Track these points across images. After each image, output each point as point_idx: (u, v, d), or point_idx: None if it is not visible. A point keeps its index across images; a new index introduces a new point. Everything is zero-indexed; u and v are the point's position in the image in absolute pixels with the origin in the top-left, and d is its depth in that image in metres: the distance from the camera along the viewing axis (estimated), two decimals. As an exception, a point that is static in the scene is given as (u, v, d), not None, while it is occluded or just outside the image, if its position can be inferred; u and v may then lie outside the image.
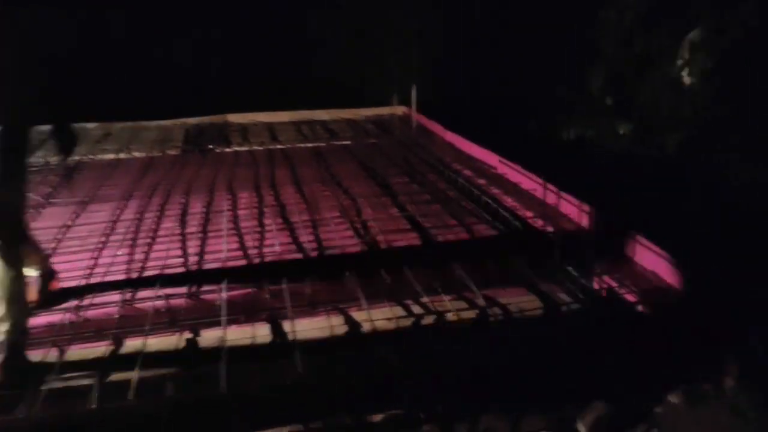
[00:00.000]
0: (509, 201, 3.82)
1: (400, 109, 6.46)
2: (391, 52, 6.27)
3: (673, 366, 2.34)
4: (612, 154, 4.35)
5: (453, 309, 2.56)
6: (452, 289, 2.73)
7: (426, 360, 2.28)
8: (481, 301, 2.62)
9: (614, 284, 2.76)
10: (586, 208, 3.06)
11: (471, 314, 2.56)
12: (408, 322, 2.51)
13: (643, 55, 3.88)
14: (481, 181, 4.25)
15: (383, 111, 6.69)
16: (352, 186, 4.19)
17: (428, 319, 2.52)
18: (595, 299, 2.68)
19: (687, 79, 3.47)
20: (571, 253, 2.95)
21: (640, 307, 2.60)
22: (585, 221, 3.20)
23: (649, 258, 2.82)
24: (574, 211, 3.33)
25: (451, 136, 5.48)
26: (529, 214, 3.57)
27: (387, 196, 3.98)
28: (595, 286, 2.80)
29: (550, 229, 3.20)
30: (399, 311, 2.58)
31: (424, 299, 2.64)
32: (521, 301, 2.66)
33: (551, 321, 2.54)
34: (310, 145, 5.58)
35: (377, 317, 2.50)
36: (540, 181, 3.23)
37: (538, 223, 3.41)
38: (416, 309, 2.61)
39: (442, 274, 2.83)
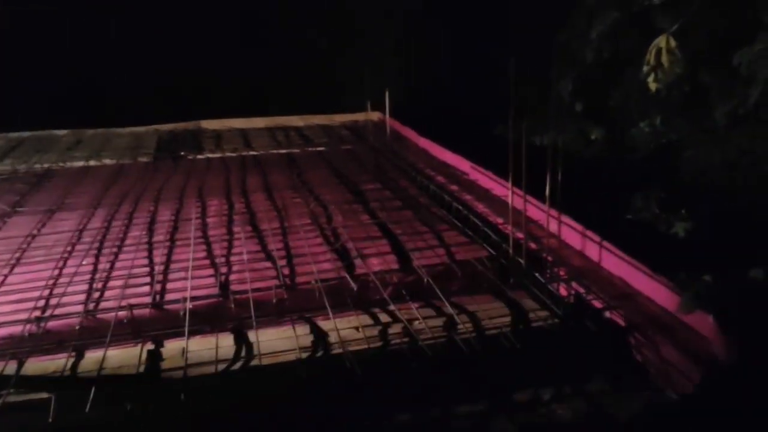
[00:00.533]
0: (480, 207, 3.83)
1: (374, 115, 6.45)
2: (366, 58, 6.27)
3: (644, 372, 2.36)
4: (583, 159, 4.38)
5: (420, 317, 2.55)
6: (420, 296, 2.72)
7: (392, 369, 2.27)
8: (448, 309, 2.61)
9: (582, 290, 2.77)
10: (555, 213, 3.06)
11: (438, 322, 2.56)
12: (375, 330, 2.49)
13: (613, 60, 3.92)
14: (453, 188, 4.25)
15: (358, 117, 6.68)
16: (324, 192, 4.17)
17: (395, 328, 2.51)
18: (563, 306, 2.68)
19: (653, 85, 3.51)
20: (539, 259, 2.96)
21: (607, 314, 2.61)
22: (554, 227, 3.21)
23: (617, 264, 2.83)
24: (544, 217, 3.34)
25: (424, 142, 5.48)
26: (499, 220, 3.57)
27: (358, 203, 3.96)
28: (563, 292, 2.81)
29: (519, 235, 3.20)
30: (366, 319, 2.56)
31: (391, 307, 2.62)
32: (489, 308, 2.66)
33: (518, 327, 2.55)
34: (283, 151, 5.55)
35: (343, 326, 2.48)
36: (510, 187, 3.24)
37: (508, 229, 3.41)
38: (383, 317, 2.59)
39: (410, 281, 2.82)
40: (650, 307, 2.52)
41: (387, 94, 5.66)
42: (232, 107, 6.61)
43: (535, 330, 2.55)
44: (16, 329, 2.45)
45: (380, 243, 3.29)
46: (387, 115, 5.94)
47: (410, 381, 2.22)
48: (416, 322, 2.52)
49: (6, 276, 2.99)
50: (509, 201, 3.20)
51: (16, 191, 4.34)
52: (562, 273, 2.90)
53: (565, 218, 3.13)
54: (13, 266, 3.10)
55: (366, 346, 2.35)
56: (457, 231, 3.43)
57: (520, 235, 3.08)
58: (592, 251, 2.97)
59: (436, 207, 3.85)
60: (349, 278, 2.79)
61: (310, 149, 5.62)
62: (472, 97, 5.25)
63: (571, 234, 3.12)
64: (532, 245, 3.11)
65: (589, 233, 3.01)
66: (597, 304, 2.66)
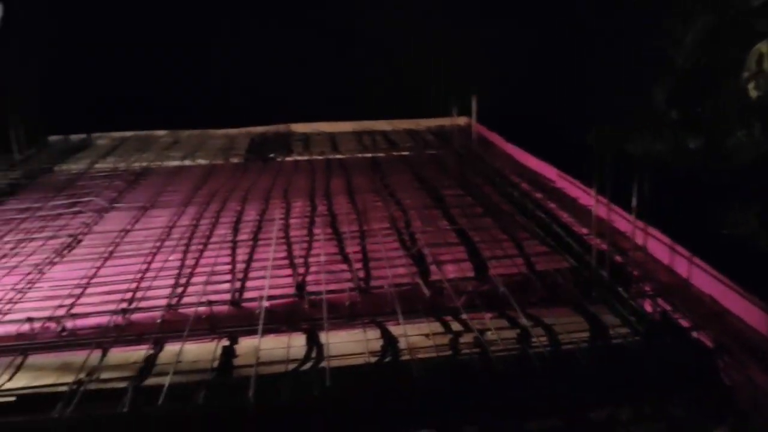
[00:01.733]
0: (564, 216, 3.71)
1: (461, 120, 6.39)
2: (453, 62, 6.23)
3: (724, 397, 2.21)
4: (677, 169, 4.16)
5: (493, 327, 2.49)
6: (495, 306, 2.66)
7: (460, 380, 2.22)
8: (523, 320, 2.54)
9: (668, 308, 2.62)
10: (642, 225, 2.92)
11: (512, 334, 2.48)
12: (445, 339, 2.45)
13: (711, 67, 3.70)
14: (538, 195, 4.14)
15: (445, 122, 6.64)
16: (405, 197, 4.17)
17: (466, 337, 2.46)
18: (647, 323, 2.54)
19: (753, 92, 3.28)
20: (623, 273, 2.83)
21: (694, 333, 2.46)
22: (641, 240, 3.06)
23: (708, 282, 2.66)
24: (630, 228, 3.19)
25: (510, 148, 5.38)
26: (584, 230, 3.45)
27: (438, 208, 3.93)
28: (647, 309, 2.67)
29: (603, 247, 3.07)
30: (436, 327, 2.53)
31: (464, 316, 2.57)
32: (566, 322, 2.56)
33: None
34: (368, 155, 5.59)
35: (413, 332, 2.46)
36: (595, 196, 3.11)
37: (593, 240, 3.28)
38: (455, 326, 2.55)
39: (485, 290, 2.76)
40: (741, 329, 2.35)
41: (474, 98, 5.61)
42: (322, 111, 6.71)
43: (615, 347, 2.43)
44: (103, 319, 2.58)
45: (457, 250, 3.25)
46: (473, 120, 5.88)
47: (479, 393, 2.17)
48: (489, 333, 2.46)
49: (98, 268, 3.15)
50: (594, 211, 3.08)
51: (115, 188, 4.58)
52: (647, 288, 2.76)
53: (653, 231, 2.98)
54: (106, 259, 3.27)
55: (435, 355, 2.31)
56: (539, 240, 3.34)
57: (604, 246, 2.96)
58: (681, 267, 2.81)
59: (519, 215, 3.76)
60: (423, 284, 2.77)
61: (394, 153, 5.63)
62: (560, 103, 5.11)
63: (659, 247, 2.97)
64: (617, 258, 2.98)
65: (678, 247, 2.85)
66: (684, 322, 2.51)
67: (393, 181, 4.61)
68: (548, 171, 4.56)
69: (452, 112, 6.38)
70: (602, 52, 4.53)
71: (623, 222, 3.18)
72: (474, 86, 5.90)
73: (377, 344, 2.42)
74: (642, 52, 4.05)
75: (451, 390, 2.15)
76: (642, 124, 3.92)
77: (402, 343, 2.40)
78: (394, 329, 2.50)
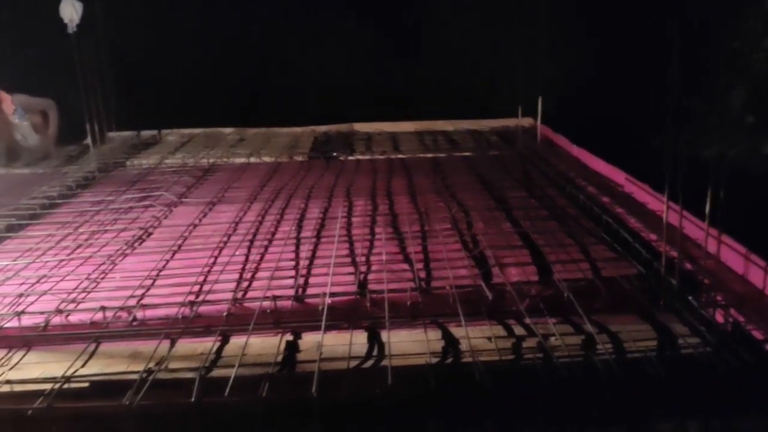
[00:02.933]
0: (632, 222, 3.61)
1: (526, 121, 6.31)
2: (519, 62, 6.14)
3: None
4: (755, 175, 4.00)
5: (557, 333, 2.45)
6: (559, 311, 2.61)
7: (523, 385, 2.20)
8: (589, 327, 2.48)
9: (741, 319, 2.52)
10: (715, 232, 2.81)
11: (577, 340, 2.44)
12: (507, 343, 2.43)
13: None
14: (605, 200, 4.05)
15: (509, 122, 6.56)
16: (467, 198, 4.14)
17: (529, 342, 2.42)
18: (718, 334, 2.46)
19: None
20: (694, 281, 2.74)
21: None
22: (713, 248, 2.95)
23: (785, 293, 2.55)
24: (702, 236, 3.09)
25: (577, 151, 5.28)
26: (652, 237, 3.35)
27: (501, 210, 3.89)
28: (719, 319, 2.57)
29: (673, 254, 2.97)
30: (498, 330, 2.50)
31: (527, 320, 2.54)
32: (633, 330, 2.50)
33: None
34: (430, 155, 5.58)
35: (475, 335, 2.44)
36: (666, 201, 3.02)
37: (661, 247, 3.18)
38: (518, 330, 2.52)
39: (549, 294, 2.72)
40: (823, 345, 2.24)
41: (540, 99, 5.52)
42: (384, 111, 6.74)
43: (684, 357, 2.35)
44: (172, 311, 2.66)
45: (520, 253, 3.21)
46: (538, 122, 5.79)
47: (541, 400, 2.13)
48: (552, 339, 2.42)
49: (167, 261, 3.25)
50: (664, 217, 2.99)
51: (183, 183, 4.71)
52: (719, 298, 2.66)
53: (727, 238, 2.87)
54: (175, 252, 3.37)
55: (497, 358, 2.29)
56: (605, 245, 3.26)
57: (674, 254, 2.87)
58: (756, 276, 2.70)
59: (585, 219, 3.69)
60: (485, 287, 2.74)
61: (456, 154, 5.60)
62: (629, 104, 4.97)
63: (732, 256, 2.86)
64: (687, 266, 2.89)
65: (753, 257, 2.74)
66: (757, 334, 2.41)
67: (455, 182, 4.58)
68: (616, 175, 4.46)
69: (517, 113, 6.30)
70: (676, 52, 4.39)
71: (695, 229, 3.07)
72: (539, 87, 5.81)
73: (438, 345, 2.42)
74: (719, 54, 3.91)
75: (514, 395, 2.12)
76: (717, 128, 3.78)
77: (464, 345, 2.38)
78: (456, 331, 2.49)
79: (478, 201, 4.10)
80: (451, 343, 2.42)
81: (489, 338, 2.42)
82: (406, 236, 3.47)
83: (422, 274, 2.98)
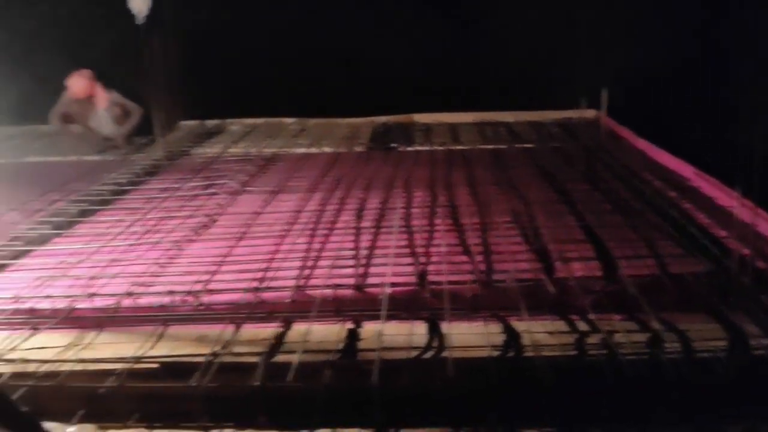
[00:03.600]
0: (701, 217, 3.50)
1: (589, 113, 6.18)
2: (582, 53, 6.01)
3: None
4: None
5: (622, 330, 2.40)
6: (624, 308, 2.56)
7: (587, 382, 2.16)
8: (655, 324, 2.42)
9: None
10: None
11: (642, 338, 2.38)
12: (570, 338, 2.39)
13: None
14: (672, 194, 3.94)
15: (571, 114, 6.44)
16: (528, 191, 4.09)
17: (593, 338, 2.38)
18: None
19: None
20: (767, 280, 2.64)
21: None
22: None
23: None
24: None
25: (642, 144, 5.14)
26: (722, 233, 3.24)
27: (564, 204, 3.83)
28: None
29: (745, 251, 2.87)
30: (561, 326, 2.47)
31: (591, 316, 2.49)
32: (702, 329, 2.42)
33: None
34: (490, 147, 5.52)
35: (537, 329, 2.41)
36: (737, 197, 2.92)
37: (733, 244, 3.08)
38: (581, 325, 2.48)
39: (614, 290, 2.67)
40: None
41: (604, 91, 5.40)
42: (444, 102, 6.70)
43: (756, 358, 2.27)
44: (236, 296, 2.72)
45: (584, 247, 3.15)
46: (603, 113, 5.67)
47: (605, 397, 2.10)
48: (617, 335, 2.37)
49: (232, 248, 3.33)
50: (736, 213, 2.89)
51: (247, 172, 4.80)
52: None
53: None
54: (239, 239, 3.44)
55: (560, 354, 2.26)
56: (673, 241, 3.17)
57: (746, 251, 2.77)
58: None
59: (651, 213, 3.59)
60: (548, 281, 2.71)
61: (517, 146, 5.53)
62: (699, 96, 4.81)
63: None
64: (760, 264, 2.78)
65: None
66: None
67: (515, 174, 4.53)
68: (684, 168, 4.32)
69: (580, 104, 6.19)
70: (750, 42, 4.22)
71: (768, 226, 2.97)
72: (604, 77, 5.68)
73: (499, 338, 2.40)
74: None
75: (577, 391, 2.09)
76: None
77: (525, 340, 2.36)
78: (517, 325, 2.47)
79: (540, 194, 4.04)
80: (512, 337, 2.40)
81: (551, 333, 2.39)
82: (465, 228, 3.46)
83: (482, 267, 2.96)
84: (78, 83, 5.59)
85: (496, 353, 2.29)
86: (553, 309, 2.56)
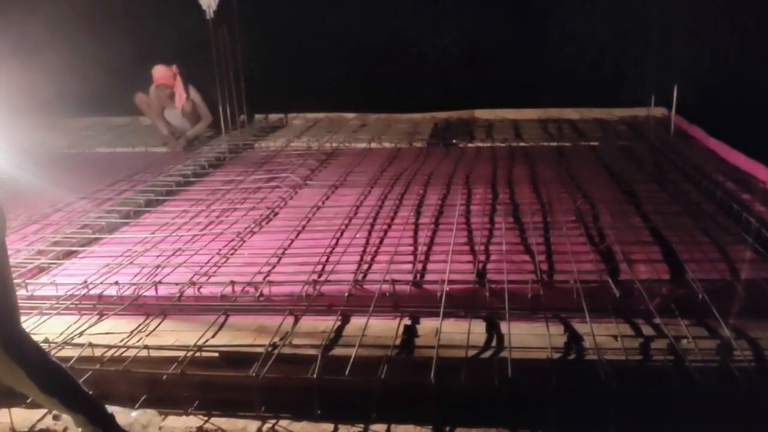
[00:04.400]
0: (777, 221, 3.34)
1: (658, 111, 5.98)
2: (652, 47, 5.82)
3: None
4: None
5: (690, 335, 2.31)
6: (692, 313, 2.46)
7: (651, 388, 2.09)
8: (725, 331, 2.32)
9: None
10: None
11: (711, 344, 2.29)
12: (635, 342, 2.31)
13: None
14: (745, 197, 3.77)
15: (639, 112, 6.25)
16: (593, 190, 3.98)
17: (659, 343, 2.30)
18: None
19: None
20: None
21: None
22: None
23: None
24: None
25: (714, 144, 4.94)
26: (799, 238, 3.08)
27: (630, 204, 3.72)
28: None
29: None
30: (626, 329, 2.39)
31: (657, 320, 2.41)
32: (776, 337, 2.31)
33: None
34: (553, 144, 5.41)
35: (600, 332, 2.34)
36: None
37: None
38: (646, 330, 2.40)
39: (682, 294, 2.57)
40: None
41: (675, 88, 5.22)
42: (507, 98, 6.60)
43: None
44: (296, 289, 2.74)
45: (651, 249, 3.05)
46: (672, 112, 5.48)
47: (670, 404, 2.02)
48: (684, 341, 2.28)
49: (292, 240, 3.37)
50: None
51: (308, 166, 4.85)
52: None
53: None
54: (299, 232, 3.48)
55: (623, 358, 2.19)
56: (745, 245, 3.03)
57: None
58: None
59: (722, 216, 3.45)
60: (612, 283, 2.63)
61: (582, 143, 5.40)
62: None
63: None
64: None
65: None
66: None
67: (580, 173, 4.42)
68: (758, 170, 4.13)
69: (648, 101, 6.00)
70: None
71: None
72: (675, 75, 5.48)
73: (560, 340, 2.34)
74: None
75: (641, 396, 2.02)
76: None
77: (587, 342, 2.30)
78: (579, 327, 2.41)
79: (605, 193, 3.93)
80: (574, 339, 2.34)
81: (615, 336, 2.32)
82: (527, 227, 3.39)
83: (544, 267, 2.90)
84: (160, 70, 5.73)
85: (556, 355, 2.24)
86: (617, 312, 2.48)
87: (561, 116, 6.49)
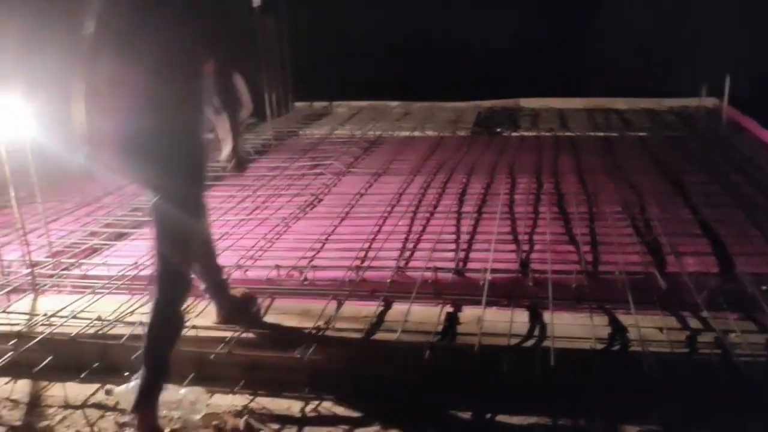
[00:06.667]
0: (833, 216, 3.24)
1: (709, 101, 5.83)
2: (704, 36, 5.67)
3: None
4: None
5: (738, 330, 2.26)
6: (740, 307, 2.41)
7: (697, 381, 2.06)
8: (774, 326, 2.27)
9: None
10: None
11: (760, 339, 2.24)
12: (681, 335, 2.28)
13: None
14: (800, 190, 3.67)
15: (689, 102, 6.10)
16: (640, 181, 3.92)
17: (706, 337, 2.26)
18: None
19: None
20: None
21: None
22: None
23: None
24: None
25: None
26: None
27: (679, 195, 3.65)
28: None
29: None
30: (671, 322, 2.36)
31: (704, 314, 2.37)
32: (830, 334, 2.25)
33: None
34: (600, 134, 5.33)
35: (646, 324, 2.32)
36: None
37: None
38: (693, 323, 2.36)
39: (730, 288, 2.52)
40: None
41: (727, 78, 5.08)
42: (552, 87, 6.51)
43: None
44: (339, 274, 2.78)
45: (699, 242, 2.99)
46: (724, 102, 5.34)
47: (717, 397, 2.00)
48: (732, 335, 2.24)
49: (336, 227, 3.40)
50: None
51: (351, 154, 4.88)
52: None
53: None
54: (342, 219, 3.51)
55: (669, 350, 2.16)
56: (799, 240, 2.96)
57: None
58: None
59: (775, 209, 3.36)
60: (659, 275, 2.59)
61: (630, 134, 5.31)
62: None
63: None
64: None
65: None
66: None
67: (627, 163, 4.35)
68: (814, 163, 4.01)
69: (699, 92, 5.85)
70: None
71: None
72: (727, 64, 5.33)
73: (604, 331, 2.32)
74: None
75: (687, 389, 2.00)
76: None
77: (632, 334, 2.27)
78: (624, 318, 2.38)
79: (653, 184, 3.86)
80: (618, 330, 2.32)
81: (660, 329, 2.29)
82: (572, 217, 3.36)
83: (589, 257, 2.88)
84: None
85: (600, 346, 2.22)
86: (663, 304, 2.45)
87: (608, 106, 6.38)
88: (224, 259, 3.00)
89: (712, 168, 4.19)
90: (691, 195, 3.64)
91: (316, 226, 3.42)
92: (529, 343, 2.28)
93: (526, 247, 3.03)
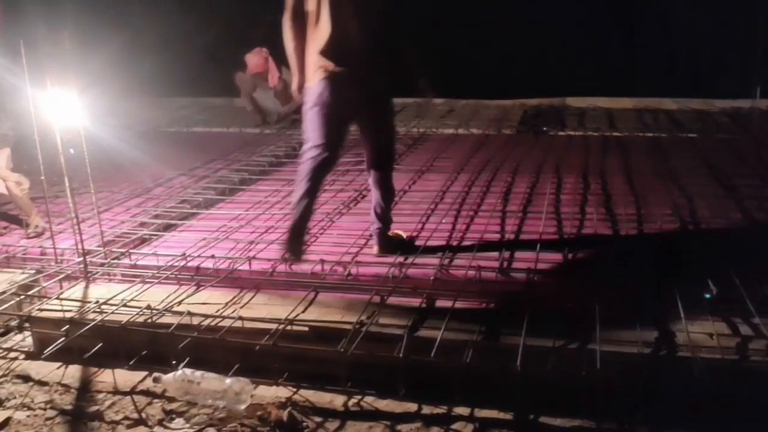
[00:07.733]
0: None
1: (763, 103, 5.67)
2: (759, 35, 5.50)
3: None
4: None
5: (793, 338, 2.20)
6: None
7: (747, 388, 2.01)
8: (833, 336, 2.20)
9: None
10: None
11: (816, 348, 2.17)
12: (731, 341, 2.23)
13: None
14: None
15: (742, 104, 5.93)
16: (690, 183, 3.83)
17: (757, 344, 2.20)
18: None
19: None
20: None
21: None
22: None
23: None
24: None
25: (826, 138, 4.64)
26: None
27: (730, 198, 3.56)
28: None
29: None
30: (722, 327, 2.30)
31: (756, 320, 2.31)
32: None
33: None
34: (649, 135, 5.22)
35: (694, 330, 2.27)
36: None
37: None
38: (745, 330, 2.30)
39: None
40: None
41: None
42: (600, 86, 6.41)
43: None
44: (383, 269, 2.79)
45: (750, 246, 2.91)
46: (780, 104, 5.18)
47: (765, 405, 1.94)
48: (787, 344, 2.18)
49: (380, 223, 3.41)
50: None
51: (396, 150, 4.87)
52: None
53: None
54: (386, 216, 3.51)
55: (719, 356, 2.11)
56: None
57: None
58: None
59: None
60: (709, 281, 2.53)
61: (680, 135, 5.19)
62: None
63: None
64: None
65: None
66: None
67: (677, 165, 4.26)
68: None
69: (753, 93, 5.68)
70: None
71: None
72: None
73: (651, 335, 2.28)
74: None
75: (736, 396, 1.96)
76: None
77: (680, 339, 2.23)
78: (673, 323, 2.33)
79: (704, 187, 3.77)
80: (666, 335, 2.28)
81: (711, 335, 2.23)
82: (619, 219, 3.31)
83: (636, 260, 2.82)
84: (253, 59, 5.92)
85: (647, 350, 2.18)
86: (714, 310, 2.39)
87: (658, 106, 6.24)
88: (270, 252, 3.07)
89: (766, 171, 4.07)
90: (743, 198, 3.54)
91: (359, 221, 3.43)
92: (575, 344, 2.25)
93: (572, 248, 2.99)
